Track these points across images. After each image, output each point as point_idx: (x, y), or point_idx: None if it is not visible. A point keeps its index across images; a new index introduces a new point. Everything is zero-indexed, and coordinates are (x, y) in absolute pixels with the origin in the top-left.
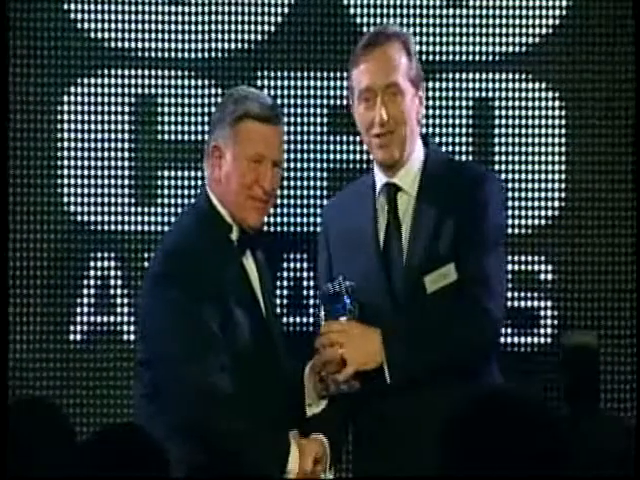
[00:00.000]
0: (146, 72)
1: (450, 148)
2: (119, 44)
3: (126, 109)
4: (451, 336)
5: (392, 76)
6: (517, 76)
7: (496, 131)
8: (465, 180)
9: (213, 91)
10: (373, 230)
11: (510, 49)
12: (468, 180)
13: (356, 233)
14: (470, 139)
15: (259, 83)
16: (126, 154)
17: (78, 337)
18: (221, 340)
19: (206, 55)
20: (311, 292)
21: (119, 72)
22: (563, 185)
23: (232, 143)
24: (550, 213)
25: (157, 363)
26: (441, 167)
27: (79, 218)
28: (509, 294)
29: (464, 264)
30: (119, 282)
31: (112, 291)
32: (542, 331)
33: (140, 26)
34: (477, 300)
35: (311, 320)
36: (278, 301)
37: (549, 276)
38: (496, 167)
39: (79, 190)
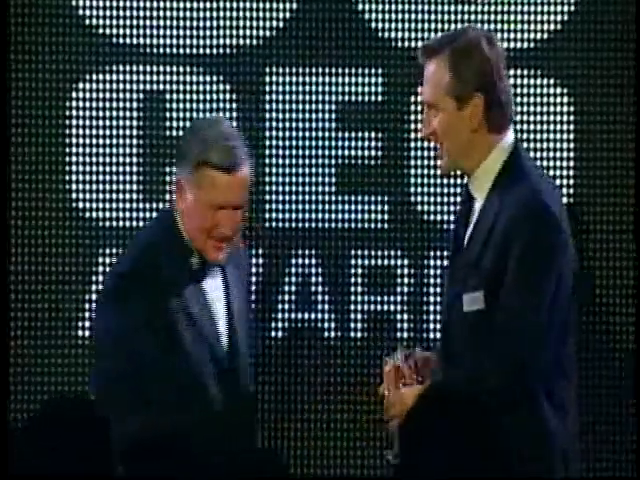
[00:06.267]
0: (154, 68)
1: None
2: (127, 40)
3: (134, 105)
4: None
5: (429, 95)
6: (525, 72)
7: None
8: (520, 207)
9: (222, 87)
10: (460, 233)
11: (518, 45)
12: (522, 209)
13: (453, 233)
14: None
15: (267, 79)
16: (134, 150)
17: (87, 333)
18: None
19: (214, 51)
20: (319, 288)
21: (127, 68)
22: (572, 181)
23: (193, 187)
24: None
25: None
26: (510, 184)
27: (87, 214)
28: None
29: (494, 301)
30: None
31: None
32: None
33: (148, 22)
34: (503, 346)
35: (319, 316)
36: (286, 297)
37: None
38: None
39: (87, 186)
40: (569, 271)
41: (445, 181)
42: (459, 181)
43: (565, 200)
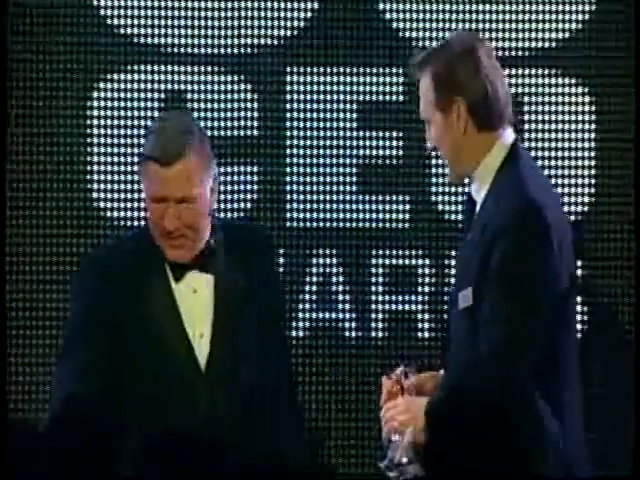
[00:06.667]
0: (175, 68)
1: None
2: (148, 40)
3: (155, 105)
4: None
5: (422, 111)
6: (547, 71)
7: (526, 126)
8: (512, 205)
9: (242, 87)
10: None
11: (540, 44)
12: (509, 208)
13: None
14: None
15: (288, 79)
16: None
17: None
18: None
19: (235, 51)
20: (340, 288)
21: (148, 68)
22: (593, 180)
23: (142, 182)
24: (580, 209)
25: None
26: (505, 184)
27: (108, 214)
28: None
29: (479, 299)
30: None
31: None
32: None
33: (169, 22)
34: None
35: (340, 316)
36: (307, 297)
37: (578, 271)
38: None
39: (108, 186)
40: (565, 273)
41: (466, 181)
42: None
43: (587, 200)
